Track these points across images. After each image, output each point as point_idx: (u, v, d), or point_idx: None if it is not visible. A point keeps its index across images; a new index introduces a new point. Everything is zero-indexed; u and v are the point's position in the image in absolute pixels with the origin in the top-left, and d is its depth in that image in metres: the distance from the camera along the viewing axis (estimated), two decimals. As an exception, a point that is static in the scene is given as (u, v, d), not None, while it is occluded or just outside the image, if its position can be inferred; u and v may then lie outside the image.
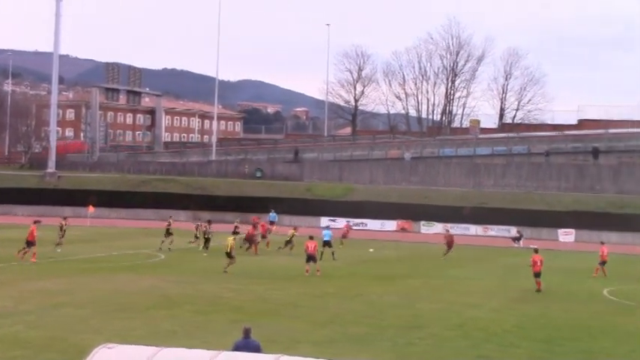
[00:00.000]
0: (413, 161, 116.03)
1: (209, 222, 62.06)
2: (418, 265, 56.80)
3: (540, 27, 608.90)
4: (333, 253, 55.78)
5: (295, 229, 61.73)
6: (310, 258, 47.30)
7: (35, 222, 51.24)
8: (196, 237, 62.23)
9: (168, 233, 59.94)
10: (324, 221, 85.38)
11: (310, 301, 37.58)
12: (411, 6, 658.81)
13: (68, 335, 28.08)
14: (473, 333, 30.74)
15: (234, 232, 63.94)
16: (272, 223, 75.31)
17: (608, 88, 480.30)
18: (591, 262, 55.77)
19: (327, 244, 55.95)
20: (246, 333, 18.76)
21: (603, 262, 53.12)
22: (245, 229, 63.59)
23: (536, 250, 44.79)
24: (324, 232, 58.21)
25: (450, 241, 62.20)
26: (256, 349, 18.04)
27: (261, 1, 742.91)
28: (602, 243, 56.65)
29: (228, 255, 47.45)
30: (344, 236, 70.35)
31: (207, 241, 60.12)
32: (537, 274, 43.22)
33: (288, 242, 60.57)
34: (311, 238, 48.92)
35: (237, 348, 18.06)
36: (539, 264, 43.23)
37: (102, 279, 42.55)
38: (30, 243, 49.66)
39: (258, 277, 45.27)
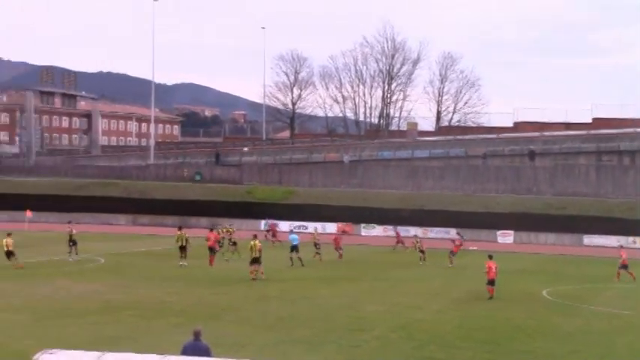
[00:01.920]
0: (352, 164, 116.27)
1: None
2: (361, 267, 56.81)
3: (473, 31, 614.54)
4: (300, 259, 55.12)
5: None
6: (255, 260, 46.69)
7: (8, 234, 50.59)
8: (234, 243, 60.60)
9: (72, 241, 56.31)
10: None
11: (254, 304, 37.37)
12: (347, 10, 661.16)
13: (6, 341, 27.58)
14: (417, 334, 30.77)
15: (224, 238, 63.75)
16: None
17: (541, 92, 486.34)
18: (529, 262, 56.23)
19: (294, 248, 55.34)
20: (196, 335, 18.61)
21: (624, 266, 52.89)
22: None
23: (490, 257, 43.17)
24: (291, 236, 57.56)
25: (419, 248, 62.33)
26: (205, 351, 18.03)
27: (197, 4, 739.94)
28: (622, 247, 56.88)
29: (257, 260, 46.19)
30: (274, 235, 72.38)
31: (234, 244, 60.06)
32: (491, 282, 41.69)
33: (234, 244, 60.35)
34: (255, 236, 48.57)
35: (186, 350, 18.02)
36: (494, 270, 41.80)
37: (40, 284, 41.93)
38: (11, 253, 49.19)
39: (201, 281, 44.95)
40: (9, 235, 50.52)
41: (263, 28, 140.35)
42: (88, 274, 47.87)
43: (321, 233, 71.02)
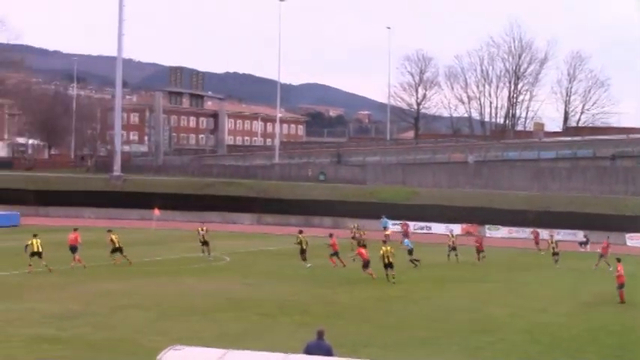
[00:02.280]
0: (476, 165, 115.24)
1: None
2: (484, 269, 56.16)
3: (603, 30, 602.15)
4: (413, 261, 54.69)
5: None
6: (388, 266, 45.63)
7: (75, 229, 51.36)
8: (363, 245, 60.23)
9: (203, 242, 56.90)
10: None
11: (376, 304, 37.36)
12: (473, 9, 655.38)
13: (135, 337, 28.21)
14: (542, 338, 30.30)
15: (353, 238, 63.80)
16: (385, 228, 75.13)
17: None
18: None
19: (410, 252, 55.20)
20: (320, 335, 19.02)
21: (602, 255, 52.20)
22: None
23: (619, 260, 42.11)
24: (406, 241, 57.62)
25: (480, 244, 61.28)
26: (328, 350, 18.40)
27: (323, 4, 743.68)
28: (608, 237, 55.24)
29: (390, 265, 45.29)
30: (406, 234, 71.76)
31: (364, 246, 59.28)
32: (622, 285, 40.57)
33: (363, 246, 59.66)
34: (384, 242, 48.36)
35: (310, 348, 18.45)
36: (623, 274, 40.70)
37: (168, 281, 42.72)
38: (74, 248, 49.26)
39: (324, 280, 45.07)
40: (110, 231, 51.53)
41: (388, 28, 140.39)
42: (213, 272, 48.53)
43: (444, 234, 70.54)
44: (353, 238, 64.31)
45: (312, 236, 56.80)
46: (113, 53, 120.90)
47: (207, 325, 30.90)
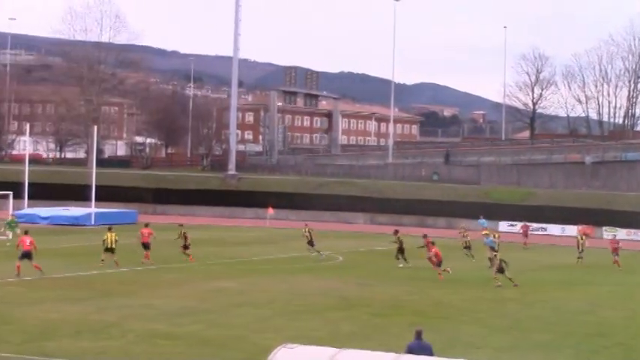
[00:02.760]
0: (594, 165, 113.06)
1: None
2: (601, 271, 55.05)
3: None
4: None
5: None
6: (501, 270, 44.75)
7: (146, 225, 51.86)
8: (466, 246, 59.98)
9: (310, 242, 56.49)
10: (503, 226, 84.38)
11: (490, 306, 36.97)
12: (592, 8, 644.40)
13: (248, 334, 28.46)
14: (661, 343, 29.58)
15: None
16: (484, 228, 74.43)
17: None
18: None
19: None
20: (418, 335, 19.23)
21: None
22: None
23: None
24: (488, 239, 56.20)
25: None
26: (429, 350, 18.61)
27: (437, 3, 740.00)
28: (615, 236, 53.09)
29: (502, 270, 43.67)
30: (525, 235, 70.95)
31: (469, 248, 58.66)
32: None
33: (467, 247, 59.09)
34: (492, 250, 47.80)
35: (411, 349, 18.60)
36: None
37: (280, 280, 42.98)
38: (146, 245, 49.08)
39: (437, 281, 44.74)
40: (181, 225, 51.80)
41: (505, 27, 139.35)
42: (326, 271, 48.68)
43: (560, 236, 69.62)
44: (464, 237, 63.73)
45: (409, 236, 56.30)
46: (229, 53, 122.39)
47: (319, 323, 31.01)
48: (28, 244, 41.00)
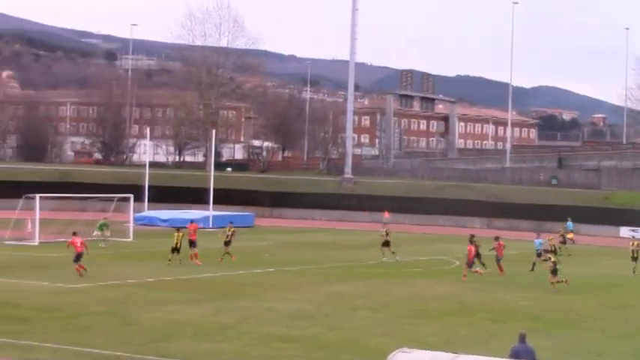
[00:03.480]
0: None
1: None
2: None
3: None
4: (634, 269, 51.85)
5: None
6: None
7: (192, 221, 51.99)
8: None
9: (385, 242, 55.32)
10: (624, 231, 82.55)
11: (612, 313, 36.27)
12: None
13: (365, 338, 28.46)
14: None
15: (563, 242, 62.45)
16: (571, 232, 73.08)
17: None
18: None
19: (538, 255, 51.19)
20: (522, 338, 19.69)
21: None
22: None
23: None
24: (537, 241, 53.66)
25: None
26: (532, 354, 19.39)
27: (557, 5, 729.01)
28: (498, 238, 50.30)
29: (555, 272, 42.89)
30: None
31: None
32: None
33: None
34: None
35: (517, 352, 19.31)
36: None
37: (398, 284, 42.86)
38: (192, 243, 48.89)
39: (558, 288, 43.94)
40: (230, 223, 51.98)
41: (627, 28, 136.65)
42: (443, 275, 48.41)
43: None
44: (563, 242, 62.48)
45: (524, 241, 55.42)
46: (345, 57, 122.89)
47: (436, 328, 30.86)
48: (79, 245, 41.48)
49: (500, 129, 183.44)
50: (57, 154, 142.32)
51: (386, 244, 55.09)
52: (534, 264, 50.89)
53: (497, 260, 48.93)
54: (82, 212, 63.74)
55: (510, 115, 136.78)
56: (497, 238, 49.79)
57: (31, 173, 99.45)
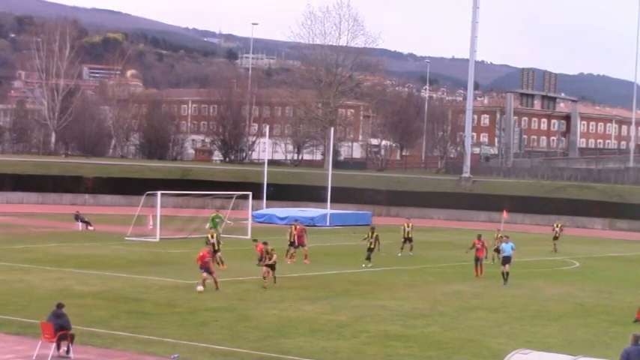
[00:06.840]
0: None
1: None
2: None
3: None
4: None
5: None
6: None
7: (295, 222, 51.80)
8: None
9: (407, 238, 54.32)
10: None
11: None
12: None
13: (482, 338, 28.23)
14: None
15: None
16: None
17: None
18: None
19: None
20: (636, 340, 19.28)
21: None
22: None
23: None
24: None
25: None
26: None
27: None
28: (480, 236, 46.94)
29: None
30: None
31: None
32: None
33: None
34: None
35: (630, 354, 18.97)
36: None
37: (516, 284, 42.30)
38: (293, 243, 48.64)
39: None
40: (295, 223, 51.14)
41: None
42: (562, 276, 47.75)
43: None
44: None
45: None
46: (465, 55, 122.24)
47: (554, 330, 30.41)
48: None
49: (624, 128, 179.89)
50: (178, 152, 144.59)
51: (408, 240, 54.25)
52: None
53: (477, 260, 45.53)
54: (202, 209, 64.73)
55: (635, 114, 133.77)
56: (479, 237, 46.25)
57: (153, 171, 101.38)
